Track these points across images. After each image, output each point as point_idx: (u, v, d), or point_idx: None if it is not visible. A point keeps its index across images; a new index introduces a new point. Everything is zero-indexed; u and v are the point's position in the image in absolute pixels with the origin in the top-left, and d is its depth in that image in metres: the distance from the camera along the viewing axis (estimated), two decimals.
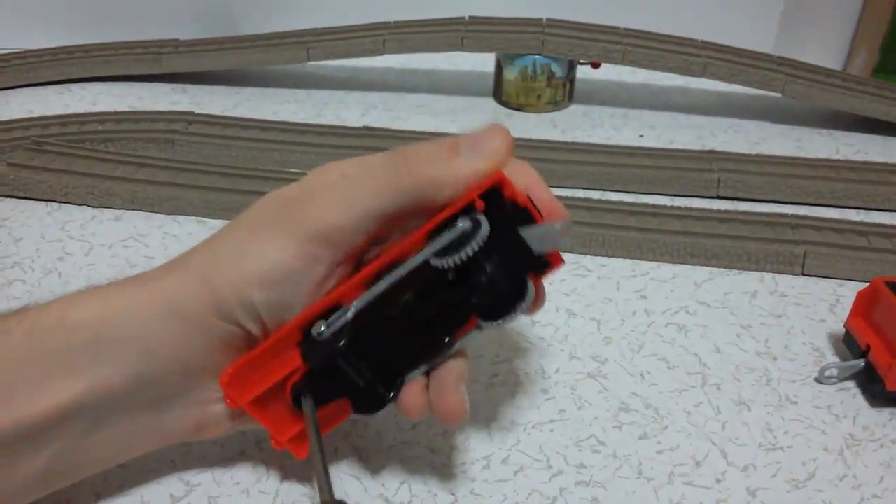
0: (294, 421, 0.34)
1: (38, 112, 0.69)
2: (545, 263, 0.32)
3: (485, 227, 0.30)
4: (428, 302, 0.32)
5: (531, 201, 0.31)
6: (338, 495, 0.35)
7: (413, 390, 0.33)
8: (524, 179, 0.32)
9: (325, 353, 0.31)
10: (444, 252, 0.30)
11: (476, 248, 0.30)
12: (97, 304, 0.31)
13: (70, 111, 0.67)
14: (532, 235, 0.31)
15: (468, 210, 0.31)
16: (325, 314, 0.31)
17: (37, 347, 0.30)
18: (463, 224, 0.30)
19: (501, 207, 0.31)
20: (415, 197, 0.31)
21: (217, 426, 0.34)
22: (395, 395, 0.33)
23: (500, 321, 0.32)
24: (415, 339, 0.33)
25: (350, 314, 0.31)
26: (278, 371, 0.32)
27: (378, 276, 0.31)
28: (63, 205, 0.57)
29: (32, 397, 0.30)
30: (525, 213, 0.31)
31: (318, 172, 0.33)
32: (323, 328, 0.31)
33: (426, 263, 0.31)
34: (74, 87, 0.74)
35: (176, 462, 0.37)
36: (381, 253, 0.32)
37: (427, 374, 0.34)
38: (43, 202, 0.57)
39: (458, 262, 0.30)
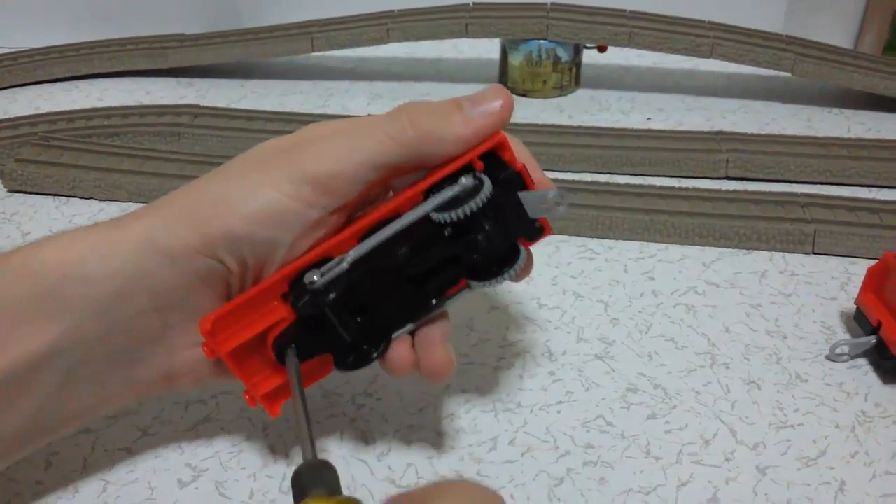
0: (269, 377, 0.33)
1: (45, 108, 0.69)
2: (539, 228, 0.33)
3: (487, 185, 0.30)
4: (422, 258, 0.32)
5: (525, 168, 0.31)
6: (343, 478, 0.35)
7: (401, 347, 0.33)
8: (518, 154, 0.32)
9: (316, 303, 0.31)
10: (445, 206, 0.30)
11: (479, 205, 0.30)
12: (62, 245, 0.31)
13: (77, 107, 0.67)
14: (527, 200, 0.31)
15: (468, 169, 0.31)
16: (316, 265, 0.31)
17: (1, 294, 0.30)
18: (466, 181, 0.31)
19: (499, 170, 0.31)
20: (415, 150, 0.31)
21: (186, 377, 0.34)
22: (382, 353, 0.33)
23: (490, 282, 0.32)
24: (405, 296, 0.33)
25: (346, 264, 0.31)
26: (260, 322, 0.32)
27: (372, 231, 0.31)
28: (70, 199, 0.57)
29: (0, 347, 0.29)
30: (520, 178, 0.31)
31: (309, 127, 0.33)
32: (316, 277, 0.31)
33: (426, 218, 0.31)
34: (81, 83, 0.75)
35: (183, 448, 0.37)
36: (374, 209, 0.32)
37: (411, 333, 0.34)
38: (51, 196, 0.57)
39: (460, 216, 0.30)
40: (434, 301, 0.33)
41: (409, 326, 0.33)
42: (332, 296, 0.31)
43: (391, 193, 0.36)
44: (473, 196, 0.30)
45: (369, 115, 0.33)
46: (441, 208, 0.31)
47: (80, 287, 0.30)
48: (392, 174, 0.32)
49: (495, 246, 0.32)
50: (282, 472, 0.36)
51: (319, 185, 0.31)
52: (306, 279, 0.31)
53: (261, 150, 0.33)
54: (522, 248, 0.33)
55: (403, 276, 0.32)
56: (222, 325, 0.31)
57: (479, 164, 0.31)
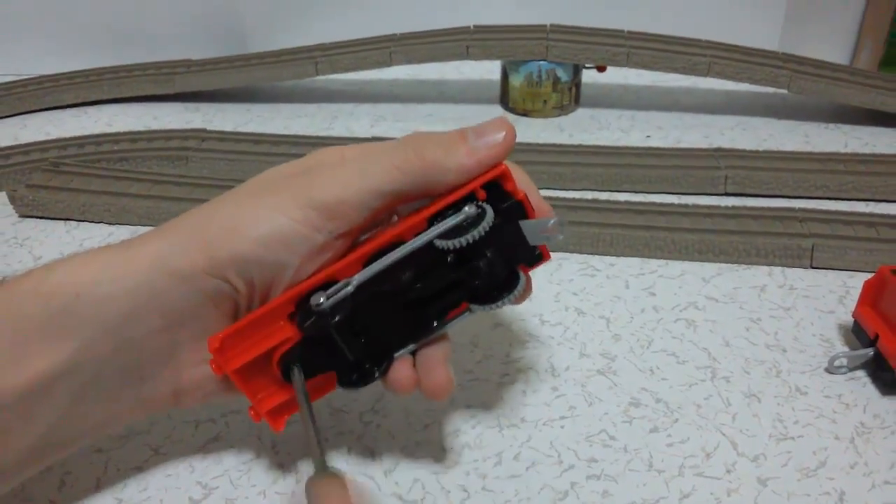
0: (274, 394, 0.34)
1: (55, 134, 0.71)
2: (538, 255, 0.34)
3: (490, 214, 0.31)
4: (425, 283, 0.33)
5: (527, 197, 0.33)
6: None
7: (402, 367, 0.34)
8: (520, 183, 0.34)
9: (322, 324, 0.32)
10: (449, 234, 0.32)
11: (482, 233, 0.31)
12: (75, 267, 0.32)
13: (86, 132, 0.69)
14: (528, 228, 0.33)
15: (471, 198, 0.32)
16: (322, 288, 0.32)
17: (14, 314, 0.30)
18: (469, 209, 0.32)
19: (501, 199, 0.32)
20: (420, 179, 0.32)
21: (194, 393, 0.34)
22: (384, 372, 0.34)
23: (491, 306, 0.33)
24: (407, 318, 0.34)
25: (352, 287, 0.32)
26: (267, 341, 0.33)
27: (377, 256, 0.32)
28: (81, 223, 0.58)
29: (15, 365, 0.30)
30: (521, 207, 0.33)
31: (317, 153, 0.34)
32: (322, 299, 0.32)
33: (429, 244, 0.32)
34: (90, 109, 0.76)
35: (194, 466, 0.38)
36: (378, 235, 0.33)
37: (412, 353, 0.35)
38: (62, 221, 0.58)
39: (463, 244, 0.31)
40: (435, 323, 0.34)
41: (411, 347, 0.34)
42: (337, 318, 0.32)
43: (395, 218, 0.37)
44: (476, 225, 0.31)
45: (376, 141, 0.34)
46: (444, 236, 0.32)
47: (93, 307, 0.31)
48: (397, 201, 0.33)
49: (496, 272, 0.33)
50: (291, 489, 0.37)
51: (326, 210, 0.31)
52: (313, 301, 0.32)
53: (270, 175, 0.34)
54: (522, 274, 0.34)
55: (406, 299, 0.33)
56: (230, 344, 0.32)
57: (482, 194, 0.32)
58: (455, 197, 0.32)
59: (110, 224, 0.58)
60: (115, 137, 0.66)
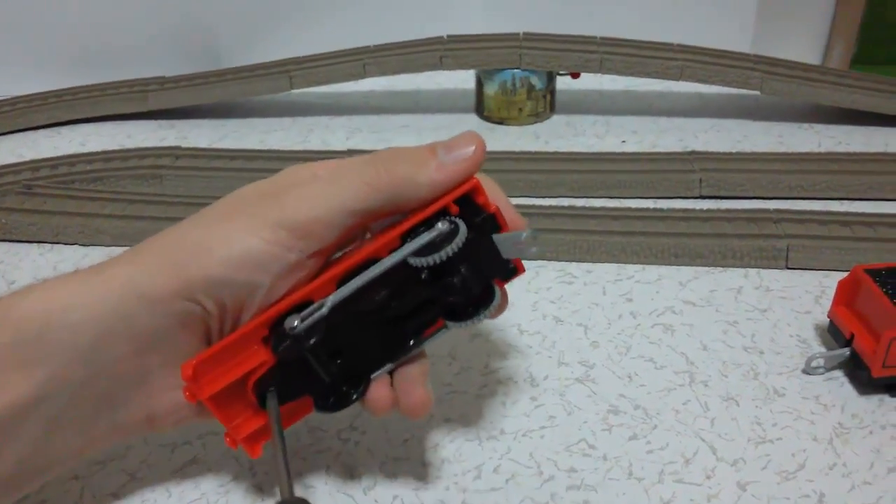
0: (250, 419, 0.34)
1: (28, 156, 0.70)
2: (512, 269, 0.34)
3: (463, 230, 0.31)
4: (400, 301, 0.33)
5: (499, 211, 0.33)
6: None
7: (380, 387, 0.34)
8: (492, 196, 0.34)
9: (297, 347, 0.31)
10: (422, 251, 0.31)
11: (455, 249, 0.31)
12: (44, 293, 0.31)
13: (60, 153, 0.68)
14: (501, 242, 0.32)
15: (443, 214, 0.32)
16: (294, 310, 0.32)
17: None
18: (442, 225, 0.31)
19: (473, 213, 0.32)
20: (391, 195, 0.32)
21: (168, 418, 0.34)
22: (361, 394, 0.34)
23: (467, 322, 0.33)
24: (383, 338, 0.33)
25: (326, 309, 0.31)
26: (241, 367, 0.32)
27: (351, 275, 0.32)
28: (55, 245, 0.57)
29: None
30: (493, 221, 0.33)
31: (288, 171, 0.34)
32: (296, 322, 0.31)
33: (403, 262, 0.32)
34: (64, 129, 0.75)
35: (171, 491, 0.38)
36: (351, 253, 0.33)
37: (390, 373, 0.34)
38: (35, 244, 0.58)
39: (436, 261, 0.31)
40: (412, 342, 0.34)
41: (388, 367, 0.34)
42: (312, 340, 0.31)
43: (369, 235, 0.36)
44: (449, 241, 0.31)
45: (350, 155, 0.34)
46: (418, 253, 0.31)
47: (64, 334, 0.30)
48: (368, 219, 0.33)
49: (471, 288, 0.33)
50: None
51: (297, 230, 0.31)
52: (287, 324, 0.32)
53: (240, 195, 0.34)
54: (497, 289, 0.34)
55: (382, 319, 0.33)
56: (203, 370, 0.32)
57: (455, 209, 0.32)
58: (428, 213, 0.32)
59: (84, 246, 0.57)
60: (88, 157, 0.66)
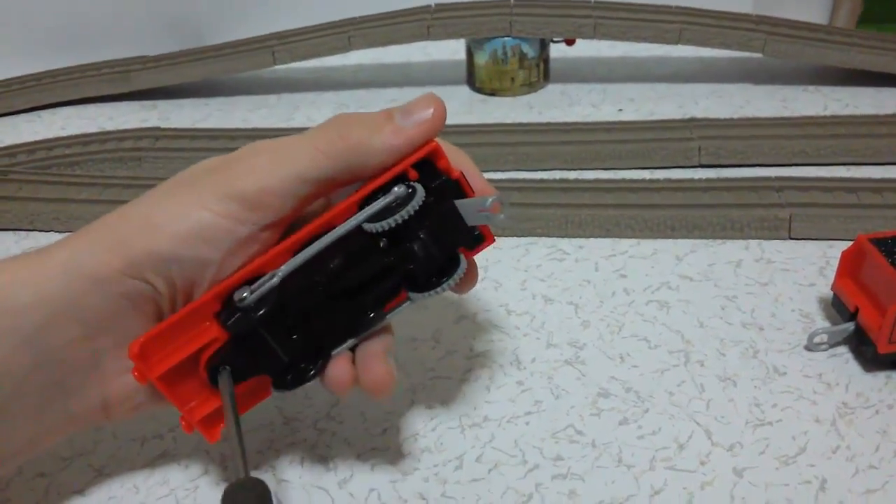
0: (206, 401, 0.32)
1: (7, 141, 0.68)
2: (478, 237, 0.33)
3: (420, 192, 0.30)
4: (358, 270, 0.31)
5: (464, 176, 0.31)
6: None
7: (340, 364, 0.32)
8: (457, 163, 0.32)
9: (247, 320, 0.30)
10: (378, 216, 0.30)
11: (411, 213, 0.30)
12: None
13: (40, 137, 0.66)
14: (465, 208, 0.31)
15: (401, 179, 0.31)
16: (247, 282, 0.30)
17: None
18: (398, 189, 0.30)
19: (434, 179, 0.31)
20: (345, 162, 0.30)
21: (124, 405, 0.32)
22: (319, 370, 0.32)
23: (430, 293, 0.32)
24: (343, 311, 0.32)
25: (277, 279, 0.30)
26: (192, 343, 0.31)
27: (306, 245, 0.30)
28: (31, 232, 0.56)
29: None
30: (457, 186, 0.31)
31: (243, 147, 0.32)
32: (246, 294, 0.30)
33: (359, 229, 0.30)
34: (44, 113, 0.73)
35: (139, 487, 0.36)
36: (308, 223, 0.31)
37: (352, 349, 0.33)
38: (11, 231, 0.56)
39: (392, 225, 0.30)
40: (372, 314, 0.32)
41: (350, 342, 0.32)
42: (263, 311, 0.30)
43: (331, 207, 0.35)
44: (406, 205, 0.30)
45: (302, 132, 0.32)
46: (374, 218, 0.30)
47: (6, 319, 0.29)
48: (325, 188, 0.31)
49: (432, 256, 0.31)
50: None
51: (247, 201, 0.30)
52: (236, 296, 0.30)
53: (189, 171, 0.32)
54: (463, 258, 0.32)
55: (340, 291, 0.31)
56: (152, 349, 0.30)
57: (413, 173, 0.31)
58: (386, 178, 0.31)
59: (60, 232, 0.55)
60: (66, 141, 0.64)
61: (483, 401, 0.39)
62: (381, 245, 0.31)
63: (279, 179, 0.30)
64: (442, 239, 0.31)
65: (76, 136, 0.65)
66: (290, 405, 0.39)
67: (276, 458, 0.37)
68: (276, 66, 0.71)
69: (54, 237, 0.54)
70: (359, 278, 0.31)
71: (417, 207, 0.30)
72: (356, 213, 0.30)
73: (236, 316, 0.30)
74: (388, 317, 0.32)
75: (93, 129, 0.69)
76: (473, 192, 0.32)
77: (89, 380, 0.31)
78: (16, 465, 0.32)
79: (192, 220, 0.30)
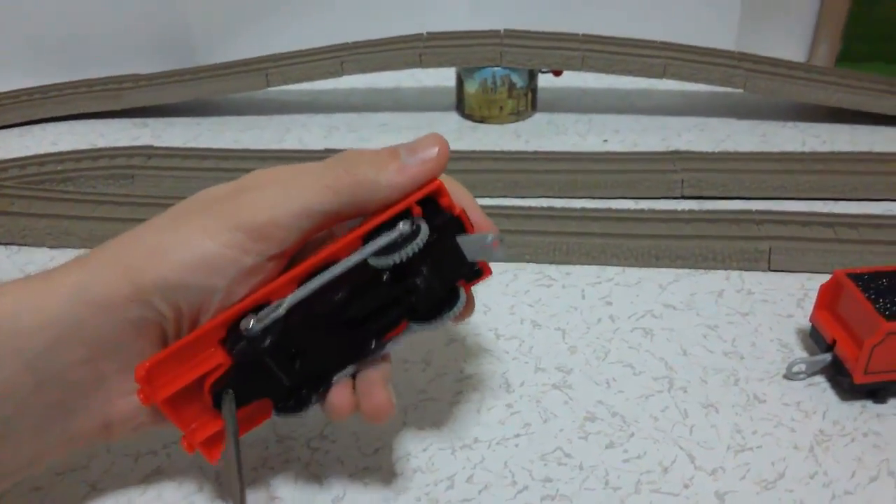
0: (208, 423, 0.32)
1: None
2: (477, 271, 0.34)
3: (425, 230, 0.31)
4: (361, 303, 0.32)
5: (464, 212, 0.32)
6: None
7: (341, 391, 0.33)
8: (458, 199, 0.33)
9: (252, 348, 0.31)
10: (383, 252, 0.31)
11: (416, 250, 0.31)
12: None
13: (31, 153, 0.66)
14: (465, 244, 0.32)
15: (405, 215, 0.32)
16: (253, 311, 0.31)
17: None
18: (404, 226, 0.31)
19: (437, 215, 0.32)
20: (352, 197, 0.31)
21: (125, 425, 0.33)
22: (321, 397, 0.33)
23: (431, 324, 0.33)
24: (344, 340, 0.33)
25: (282, 310, 0.31)
26: (197, 369, 0.31)
27: (310, 276, 0.31)
28: (23, 247, 0.56)
29: None
30: (458, 223, 0.32)
31: (250, 174, 0.33)
32: (252, 323, 0.31)
33: (364, 263, 0.31)
34: (35, 128, 0.74)
35: (133, 502, 0.36)
36: (313, 254, 0.32)
37: (352, 376, 0.33)
38: (3, 246, 0.56)
39: (397, 261, 0.31)
40: (374, 344, 0.33)
41: (350, 369, 0.33)
42: (268, 341, 0.31)
43: (334, 237, 0.35)
44: (410, 241, 0.31)
45: (324, 153, 0.33)
46: (379, 254, 0.31)
47: (11, 341, 0.30)
48: (329, 221, 0.32)
49: (434, 290, 0.32)
50: None
51: (254, 232, 0.30)
52: (242, 325, 0.31)
53: (196, 199, 0.33)
54: (462, 291, 0.33)
55: (342, 320, 0.32)
56: (158, 372, 0.31)
57: (417, 210, 0.32)
58: (390, 214, 0.32)
59: (52, 248, 0.56)
60: (58, 157, 0.64)
61: (473, 423, 0.40)
62: (385, 278, 0.32)
63: (286, 212, 0.31)
64: (443, 273, 0.32)
65: (68, 153, 0.65)
66: (284, 424, 0.40)
67: (270, 475, 0.37)
68: (269, 89, 0.72)
69: (46, 252, 0.55)
70: (362, 310, 0.32)
71: (423, 245, 0.31)
72: (361, 248, 0.31)
73: (241, 344, 0.31)
74: (388, 346, 0.33)
75: (84, 146, 0.69)
76: (473, 227, 0.33)
77: (92, 401, 0.32)
78: (13, 482, 0.33)
79: (199, 249, 0.30)
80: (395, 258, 0.30)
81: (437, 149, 0.32)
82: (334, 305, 0.32)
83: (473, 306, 0.35)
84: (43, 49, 0.81)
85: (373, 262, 0.31)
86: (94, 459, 0.38)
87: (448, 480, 0.37)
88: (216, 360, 0.31)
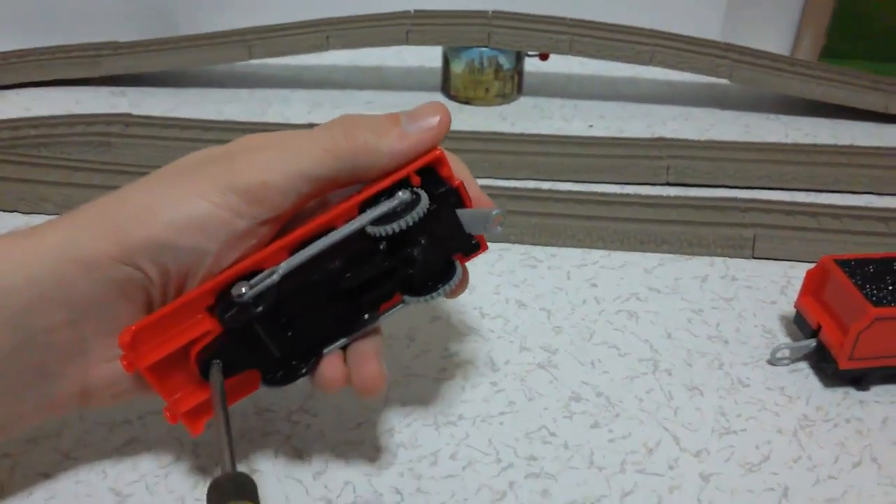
0: (192, 393, 0.32)
1: None
2: (475, 245, 0.33)
3: (424, 199, 0.30)
4: (356, 273, 0.31)
5: (463, 185, 0.31)
6: (276, 499, 0.34)
7: (332, 363, 0.32)
8: (456, 172, 0.32)
9: (244, 316, 0.30)
10: (381, 221, 0.30)
11: (416, 219, 0.30)
12: None
13: (2, 117, 0.65)
14: (465, 217, 0.31)
15: (404, 184, 0.31)
16: (244, 278, 0.30)
17: None
18: (403, 195, 0.30)
19: (436, 185, 0.31)
20: (349, 163, 0.30)
21: (104, 393, 0.32)
22: (311, 369, 0.32)
23: (425, 297, 0.32)
24: (337, 311, 0.32)
25: (276, 277, 0.30)
26: (183, 335, 0.30)
27: (304, 244, 0.30)
28: None
29: None
30: (457, 194, 0.31)
31: (243, 138, 0.32)
32: (244, 289, 0.30)
33: (361, 231, 0.30)
34: (8, 92, 0.72)
35: (107, 472, 0.35)
36: (308, 222, 0.31)
37: (343, 348, 0.33)
38: None
39: (396, 230, 0.30)
40: (367, 316, 0.32)
41: (342, 342, 0.32)
42: (260, 309, 0.30)
43: (328, 206, 0.35)
44: (409, 211, 0.30)
45: (307, 127, 0.32)
46: (376, 222, 0.30)
47: None
48: (326, 187, 0.31)
49: (431, 261, 0.31)
50: None
51: (248, 194, 0.30)
52: (234, 291, 0.30)
53: (189, 159, 0.32)
54: (458, 265, 0.33)
55: (336, 291, 0.31)
56: (143, 338, 0.30)
57: (416, 179, 0.31)
58: (388, 183, 0.31)
59: (25, 213, 0.54)
60: (33, 122, 0.63)
61: (458, 400, 0.39)
62: (381, 248, 0.31)
63: (283, 175, 0.30)
64: (441, 246, 0.32)
65: (43, 118, 0.63)
66: (264, 397, 0.39)
67: (250, 448, 0.37)
68: (251, 61, 0.71)
69: (20, 218, 0.54)
70: (357, 280, 0.31)
71: (423, 214, 0.30)
72: (359, 216, 0.30)
73: (232, 311, 0.30)
74: (381, 318, 0.33)
75: (59, 112, 0.67)
76: (471, 201, 0.32)
77: (71, 365, 0.31)
78: None
79: (190, 209, 0.29)
80: (395, 227, 0.30)
81: (438, 117, 0.31)
82: (329, 274, 0.31)
83: (468, 281, 0.34)
84: (19, 13, 0.79)
85: (371, 230, 0.30)
86: (66, 428, 0.37)
87: (432, 456, 0.36)
88: (204, 327, 0.30)
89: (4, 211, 0.54)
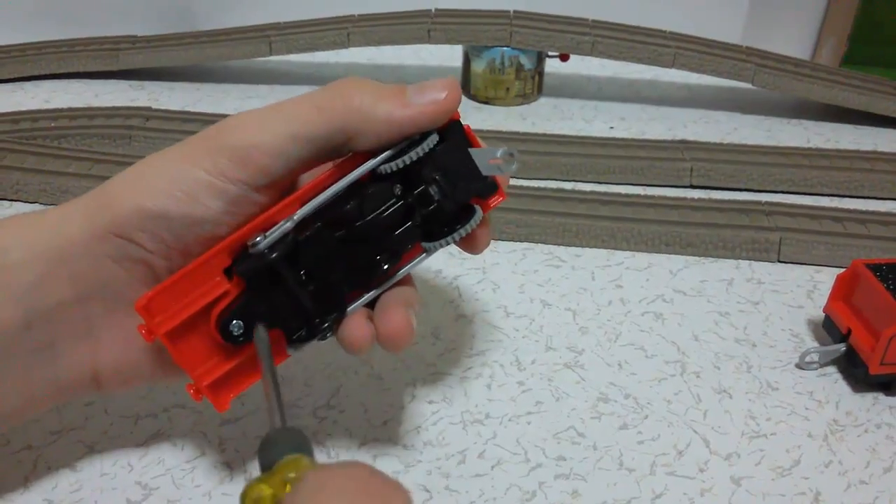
0: (215, 366, 0.31)
1: None
2: (492, 185, 0.32)
3: (433, 135, 0.30)
4: (373, 218, 0.30)
5: (471, 129, 0.31)
6: None
7: (356, 320, 0.31)
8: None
9: (259, 262, 0.29)
10: (391, 160, 0.30)
11: (426, 150, 0.29)
12: None
13: (22, 109, 0.64)
14: (477, 155, 0.31)
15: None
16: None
17: None
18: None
19: (444, 127, 0.31)
20: (342, 124, 0.29)
21: (115, 377, 0.32)
22: (335, 326, 0.31)
23: (446, 239, 0.31)
24: (356, 261, 0.31)
25: (291, 223, 0.29)
26: (202, 298, 0.30)
27: (315, 196, 0.30)
28: (14, 203, 0.54)
29: None
30: (461, 128, 0.31)
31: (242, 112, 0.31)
32: (259, 238, 0.29)
33: (373, 174, 0.30)
34: (27, 84, 0.72)
35: (133, 465, 0.35)
36: (312, 182, 0.31)
37: (371, 306, 0.32)
38: None
39: (407, 162, 0.29)
40: (387, 266, 0.31)
41: (365, 297, 0.32)
42: (275, 255, 0.29)
43: None
44: (418, 145, 0.30)
45: None
46: (387, 160, 0.30)
47: (2, 274, 0.29)
48: (319, 152, 0.30)
49: (448, 199, 0.31)
50: (239, 490, 0.34)
51: (238, 157, 0.29)
52: (249, 242, 0.29)
53: (186, 137, 0.31)
54: (478, 208, 0.32)
55: (354, 236, 0.30)
56: (159, 304, 0.29)
57: None
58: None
59: (46, 204, 0.54)
60: (52, 114, 0.62)
61: (484, 398, 0.39)
62: (396, 192, 0.30)
63: (271, 135, 0.29)
64: (457, 183, 0.31)
65: (63, 110, 0.63)
66: (290, 391, 0.39)
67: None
68: (270, 58, 0.70)
69: (39, 209, 0.53)
70: (374, 227, 0.30)
71: (433, 145, 0.29)
72: (368, 160, 0.30)
73: (249, 260, 0.29)
74: (403, 270, 0.32)
75: (78, 105, 0.67)
76: (480, 143, 0.32)
77: (80, 345, 0.31)
78: (1, 432, 0.31)
79: (178, 174, 0.29)
80: (406, 159, 0.29)
81: (445, 93, 0.30)
82: (346, 216, 0.30)
83: (489, 232, 0.33)
84: (39, 6, 0.79)
85: (383, 168, 0.30)
86: (90, 420, 0.37)
87: (460, 455, 0.36)
88: (221, 287, 0.30)
89: (26, 202, 0.54)
